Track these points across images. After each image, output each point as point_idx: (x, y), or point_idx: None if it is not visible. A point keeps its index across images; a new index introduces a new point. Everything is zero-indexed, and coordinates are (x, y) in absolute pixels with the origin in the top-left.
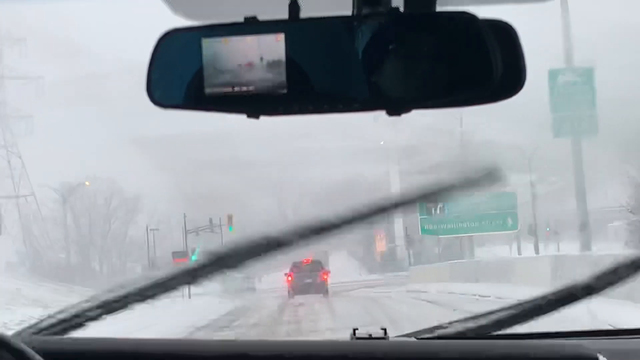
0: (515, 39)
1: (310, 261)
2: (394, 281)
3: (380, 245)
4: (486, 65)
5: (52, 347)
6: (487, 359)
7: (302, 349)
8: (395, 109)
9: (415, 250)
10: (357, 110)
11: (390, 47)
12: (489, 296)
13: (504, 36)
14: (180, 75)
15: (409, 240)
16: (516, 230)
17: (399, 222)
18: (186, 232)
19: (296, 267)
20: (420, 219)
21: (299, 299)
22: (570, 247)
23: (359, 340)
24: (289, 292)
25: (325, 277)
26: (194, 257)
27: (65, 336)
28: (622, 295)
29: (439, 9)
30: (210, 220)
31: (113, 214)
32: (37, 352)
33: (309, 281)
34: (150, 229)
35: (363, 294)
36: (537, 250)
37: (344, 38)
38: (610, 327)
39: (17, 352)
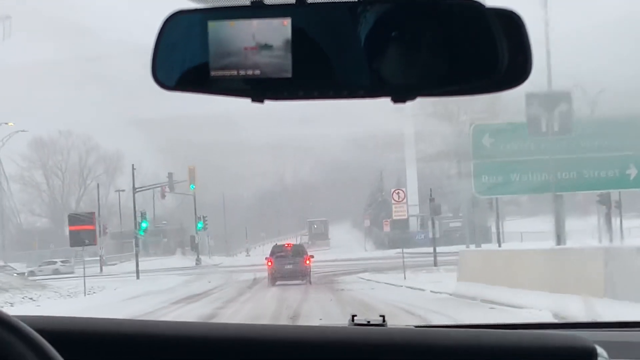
0: (522, 28)
1: (292, 245)
2: (413, 263)
3: (399, 211)
4: (492, 54)
5: (52, 326)
6: (484, 348)
7: (300, 334)
8: (401, 96)
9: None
10: (362, 96)
11: (396, 33)
12: None
13: (510, 25)
14: (185, 57)
15: (433, 208)
16: None
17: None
18: (134, 190)
19: (277, 251)
20: (474, 164)
21: (274, 290)
22: None
23: (357, 327)
24: (268, 278)
25: (307, 262)
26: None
27: (65, 316)
28: None
29: None
30: (170, 175)
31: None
32: (38, 332)
33: (290, 267)
34: (116, 190)
35: (367, 287)
36: None
37: (350, 24)
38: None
39: (14, 330)
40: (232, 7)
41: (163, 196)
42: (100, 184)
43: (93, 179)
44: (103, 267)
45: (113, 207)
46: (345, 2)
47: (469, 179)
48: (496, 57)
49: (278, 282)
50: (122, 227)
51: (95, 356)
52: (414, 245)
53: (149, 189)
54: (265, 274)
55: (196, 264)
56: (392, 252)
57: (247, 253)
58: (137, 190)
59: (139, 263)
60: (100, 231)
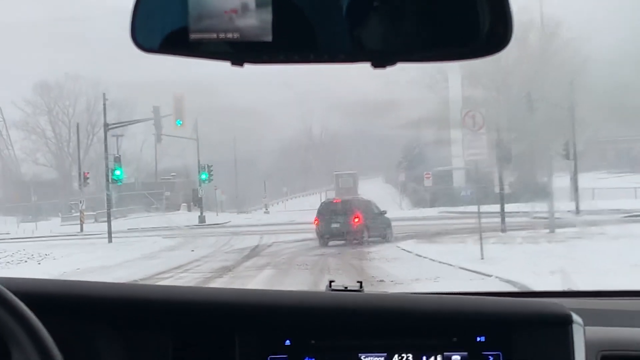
0: None
1: (340, 201)
2: (464, 226)
3: (475, 147)
4: (473, 20)
5: (34, 289)
6: (459, 314)
7: (279, 298)
8: (381, 61)
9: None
10: (343, 61)
11: None
12: None
13: None
14: (165, 20)
15: (502, 153)
16: None
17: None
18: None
19: (325, 208)
20: None
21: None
22: None
23: (334, 292)
24: (318, 239)
25: (356, 221)
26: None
27: (46, 278)
28: None
29: None
30: (156, 110)
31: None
32: (17, 295)
33: (337, 226)
34: (113, 135)
35: (422, 275)
36: None
37: None
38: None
39: None
40: None
41: (159, 140)
42: (121, 135)
43: (102, 127)
44: (88, 225)
45: (125, 157)
46: None
47: None
48: (477, 23)
49: (330, 243)
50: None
51: (71, 319)
52: (458, 204)
53: (124, 125)
54: (275, 239)
55: (199, 222)
56: (434, 210)
57: (266, 209)
58: (111, 127)
59: (135, 220)
60: (80, 181)
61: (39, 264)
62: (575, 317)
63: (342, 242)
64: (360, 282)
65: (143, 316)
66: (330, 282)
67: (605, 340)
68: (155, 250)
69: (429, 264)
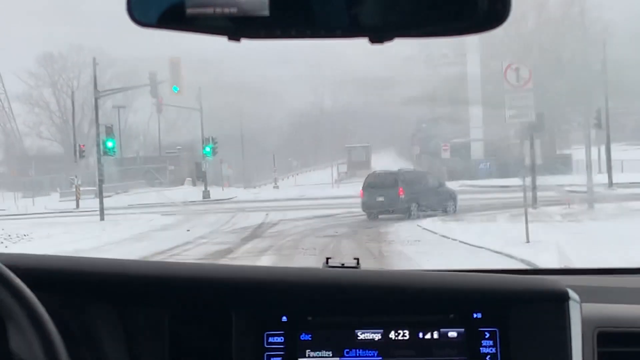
0: None
1: (382, 174)
2: (488, 201)
3: (518, 106)
4: None
5: (29, 265)
6: (455, 290)
7: (275, 275)
8: (378, 36)
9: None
10: (340, 36)
11: None
12: None
13: None
14: None
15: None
16: None
17: (476, 99)
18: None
19: (369, 181)
20: None
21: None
22: None
23: (331, 269)
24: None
25: (401, 193)
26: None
27: (42, 254)
28: None
29: None
30: (152, 76)
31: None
32: (13, 270)
33: (381, 200)
34: (114, 106)
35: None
36: None
37: None
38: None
39: None
40: None
41: (160, 110)
42: (122, 107)
43: (108, 99)
44: (86, 201)
45: (132, 131)
46: None
47: None
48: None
49: (381, 217)
50: (121, 151)
51: (67, 295)
52: (476, 177)
53: (115, 92)
54: (282, 216)
55: (203, 197)
56: (453, 184)
57: (275, 184)
58: (102, 94)
59: (136, 196)
60: (76, 154)
61: (6, 247)
62: (572, 294)
63: (392, 215)
64: (357, 259)
65: (140, 292)
66: (327, 259)
67: (601, 316)
68: (147, 230)
69: (462, 248)
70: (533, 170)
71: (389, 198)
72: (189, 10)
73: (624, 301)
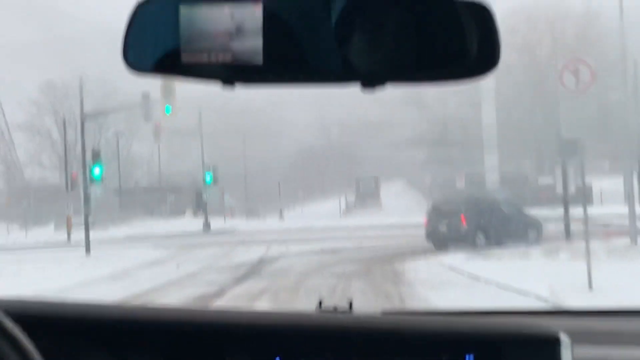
0: (491, 19)
1: (446, 203)
2: None
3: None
4: (460, 44)
5: (24, 310)
6: (450, 333)
7: (268, 319)
8: (370, 83)
9: None
10: (332, 82)
11: (367, 21)
12: None
13: (479, 16)
14: (156, 41)
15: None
16: None
17: (491, 127)
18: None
19: (433, 209)
20: None
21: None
22: None
23: (324, 313)
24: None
25: (462, 222)
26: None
27: (42, 300)
28: None
29: None
30: (145, 97)
31: None
32: (8, 315)
33: (443, 229)
34: (114, 133)
35: None
36: None
37: (322, 10)
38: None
39: None
40: None
41: (157, 136)
42: (122, 134)
43: (110, 127)
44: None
45: (136, 159)
46: None
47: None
48: (465, 44)
49: (451, 248)
50: (120, 179)
51: (62, 340)
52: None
53: (104, 113)
54: (285, 249)
55: (203, 228)
56: None
57: (280, 215)
58: (89, 115)
59: (134, 227)
60: (67, 183)
61: None
62: (563, 337)
63: (461, 246)
64: (350, 303)
65: (135, 337)
66: (320, 302)
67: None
68: (132, 266)
69: (502, 295)
70: (565, 200)
71: (452, 227)
72: (184, 58)
73: (617, 344)
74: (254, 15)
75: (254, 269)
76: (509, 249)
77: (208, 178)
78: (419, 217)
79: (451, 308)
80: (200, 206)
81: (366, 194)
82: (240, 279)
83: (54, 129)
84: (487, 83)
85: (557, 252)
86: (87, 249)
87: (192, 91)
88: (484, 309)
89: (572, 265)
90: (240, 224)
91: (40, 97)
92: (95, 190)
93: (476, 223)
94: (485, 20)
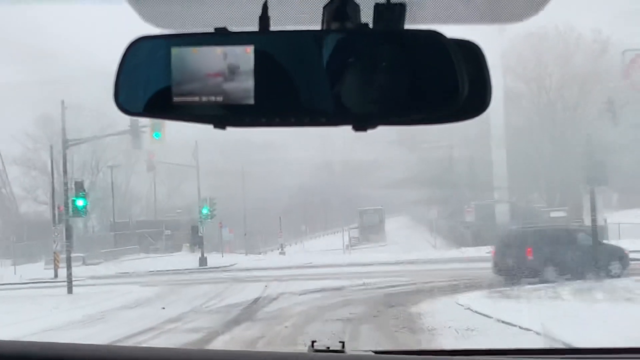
0: (482, 59)
1: (513, 234)
2: None
3: None
4: (452, 84)
5: (13, 351)
6: None
7: (258, 359)
8: (362, 124)
9: None
10: (324, 124)
11: (358, 63)
12: None
13: (470, 56)
14: (148, 82)
15: (596, 172)
16: None
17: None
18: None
19: (504, 237)
20: None
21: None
22: None
23: (317, 353)
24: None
25: (530, 255)
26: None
27: (26, 340)
28: None
29: (407, 26)
30: (133, 124)
31: None
32: None
33: (509, 261)
34: (108, 166)
35: None
36: None
37: (313, 52)
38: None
39: None
40: (195, 33)
41: (150, 166)
42: (117, 166)
43: (108, 160)
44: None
45: (134, 195)
46: (307, 30)
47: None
48: (456, 87)
49: (525, 282)
50: (114, 214)
51: None
52: None
53: (86, 141)
54: (285, 287)
55: (199, 264)
56: (479, 250)
57: (281, 250)
58: (71, 143)
59: (127, 263)
60: (54, 217)
61: None
62: None
63: (537, 281)
64: (343, 342)
65: None
66: (313, 342)
67: None
68: (114, 307)
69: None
70: (594, 233)
71: (517, 259)
72: (175, 99)
73: None
74: (245, 57)
75: (248, 312)
76: (587, 281)
77: (205, 211)
78: (427, 252)
79: (443, 348)
80: (196, 241)
81: (370, 227)
82: (229, 324)
83: (49, 163)
84: (496, 116)
85: (586, 291)
86: (69, 287)
87: (190, 126)
88: (476, 349)
89: (603, 304)
90: (238, 259)
91: (36, 131)
92: (80, 224)
93: (544, 255)
94: (475, 60)
